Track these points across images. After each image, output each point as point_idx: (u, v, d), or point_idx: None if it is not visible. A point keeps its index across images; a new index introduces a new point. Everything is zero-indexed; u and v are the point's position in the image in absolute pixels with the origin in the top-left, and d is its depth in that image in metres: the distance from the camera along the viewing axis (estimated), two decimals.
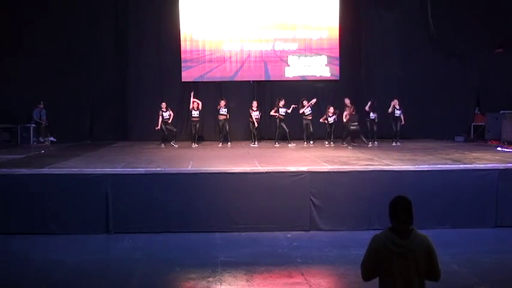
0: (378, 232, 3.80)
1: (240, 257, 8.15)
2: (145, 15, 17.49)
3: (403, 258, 3.62)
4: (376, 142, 15.34)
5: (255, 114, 15.62)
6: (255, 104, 15.79)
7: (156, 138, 16.03)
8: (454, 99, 17.46)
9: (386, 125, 15.73)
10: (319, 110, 16.03)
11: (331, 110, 15.63)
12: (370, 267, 3.74)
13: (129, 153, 13.55)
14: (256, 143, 15.58)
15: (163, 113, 15.33)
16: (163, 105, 15.43)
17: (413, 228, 3.68)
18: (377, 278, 3.79)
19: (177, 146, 15.24)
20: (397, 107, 15.50)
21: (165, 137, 15.48)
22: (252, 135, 15.83)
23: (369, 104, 15.43)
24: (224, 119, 15.53)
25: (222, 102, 15.51)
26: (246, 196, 9.74)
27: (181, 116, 17.07)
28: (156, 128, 15.33)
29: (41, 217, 9.50)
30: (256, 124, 15.65)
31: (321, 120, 15.75)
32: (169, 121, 15.51)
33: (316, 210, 9.82)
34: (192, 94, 15.70)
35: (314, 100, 15.71)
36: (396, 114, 15.49)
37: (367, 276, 3.78)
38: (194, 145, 15.30)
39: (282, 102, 15.59)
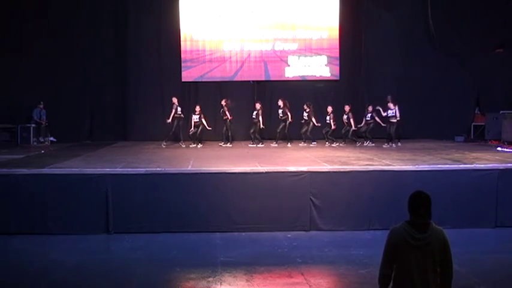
0: (395, 226, 3.84)
1: (240, 257, 8.15)
2: (145, 15, 17.49)
3: (420, 251, 3.69)
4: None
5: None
6: (258, 105, 15.76)
7: (156, 138, 16.05)
8: (454, 99, 17.46)
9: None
10: (319, 110, 16.01)
11: (329, 109, 15.64)
12: (388, 260, 3.79)
13: (129, 153, 13.55)
14: (254, 143, 15.54)
15: (178, 108, 15.34)
16: (175, 100, 15.43)
17: (431, 222, 3.76)
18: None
19: (184, 145, 15.23)
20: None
21: (173, 134, 15.41)
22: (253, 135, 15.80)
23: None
24: (226, 119, 15.52)
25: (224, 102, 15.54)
26: (246, 196, 9.74)
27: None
28: (168, 121, 15.30)
29: (40, 217, 9.50)
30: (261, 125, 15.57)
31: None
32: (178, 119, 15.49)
33: (316, 210, 9.82)
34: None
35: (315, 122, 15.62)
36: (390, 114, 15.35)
37: (385, 270, 3.80)
38: (192, 145, 15.31)
39: (279, 102, 15.60)
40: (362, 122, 15.75)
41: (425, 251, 3.69)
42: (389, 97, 15.13)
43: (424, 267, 3.70)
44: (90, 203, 9.59)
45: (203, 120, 15.37)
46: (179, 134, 15.65)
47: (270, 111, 16.67)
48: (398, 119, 15.02)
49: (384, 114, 15.18)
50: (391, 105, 15.04)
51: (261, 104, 15.86)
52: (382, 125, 15.50)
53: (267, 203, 9.68)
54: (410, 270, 3.71)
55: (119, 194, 9.63)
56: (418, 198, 3.75)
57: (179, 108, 15.39)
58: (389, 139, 15.09)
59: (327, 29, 17.78)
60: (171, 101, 15.56)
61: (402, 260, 3.73)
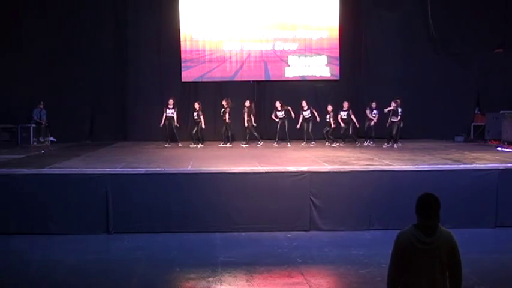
0: (402, 230, 3.78)
1: (240, 257, 8.14)
2: (145, 15, 17.48)
3: (428, 255, 3.64)
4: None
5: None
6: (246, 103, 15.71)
7: (156, 138, 16.05)
8: (454, 99, 17.45)
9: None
10: (319, 111, 15.99)
11: (329, 108, 15.63)
12: (396, 264, 3.73)
13: (129, 153, 13.55)
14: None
15: (167, 110, 15.32)
16: (170, 101, 15.43)
17: (439, 225, 3.71)
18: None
19: (181, 145, 15.27)
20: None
21: (168, 135, 15.48)
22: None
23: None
24: (228, 119, 15.53)
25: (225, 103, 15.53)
26: (246, 196, 9.74)
27: (182, 117, 17.04)
28: (161, 125, 15.36)
29: (40, 217, 9.50)
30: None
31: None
32: (175, 119, 15.41)
33: (316, 210, 9.81)
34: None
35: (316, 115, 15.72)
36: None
37: (393, 275, 3.73)
38: (192, 145, 15.32)
39: (277, 104, 15.58)
40: (369, 119, 15.68)
41: (434, 255, 3.64)
42: (394, 102, 15.09)
43: (432, 271, 3.65)
44: (90, 203, 9.58)
45: (201, 117, 15.34)
46: (174, 135, 15.60)
47: (270, 111, 16.64)
48: (398, 119, 15.01)
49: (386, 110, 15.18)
50: (393, 104, 15.03)
51: (250, 102, 15.77)
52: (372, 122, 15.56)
53: (267, 203, 9.68)
54: (418, 274, 3.66)
55: (119, 194, 9.62)
56: (427, 200, 3.70)
57: (168, 111, 15.34)
58: (390, 139, 15.09)
59: (327, 29, 17.78)
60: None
61: (410, 264, 3.68)
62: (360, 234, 9.49)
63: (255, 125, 15.74)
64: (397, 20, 17.65)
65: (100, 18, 17.28)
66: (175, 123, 15.43)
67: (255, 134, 15.66)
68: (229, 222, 9.68)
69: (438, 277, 3.66)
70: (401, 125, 15.07)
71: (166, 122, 15.39)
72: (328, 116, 15.56)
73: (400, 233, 3.77)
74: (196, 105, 15.44)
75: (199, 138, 15.45)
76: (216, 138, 16.02)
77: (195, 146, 15.28)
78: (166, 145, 15.35)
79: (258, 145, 15.36)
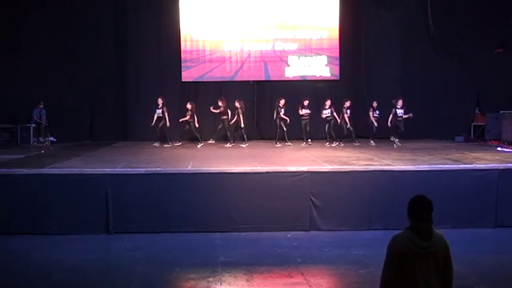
0: (397, 232, 3.72)
1: (240, 257, 8.15)
2: (145, 15, 17.48)
3: (425, 259, 3.59)
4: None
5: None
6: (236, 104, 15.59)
7: (156, 139, 16.06)
8: (454, 99, 17.44)
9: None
10: (318, 110, 15.98)
11: (328, 103, 15.54)
12: (391, 270, 3.65)
13: (129, 153, 13.55)
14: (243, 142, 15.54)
15: (157, 110, 15.31)
16: (159, 101, 15.35)
17: (433, 228, 3.65)
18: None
19: (159, 145, 15.28)
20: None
21: (159, 135, 15.51)
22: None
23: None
24: (226, 119, 15.51)
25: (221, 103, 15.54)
26: (246, 196, 9.75)
27: (182, 117, 17.03)
28: (152, 124, 15.36)
29: (40, 217, 9.51)
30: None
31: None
32: (166, 120, 15.30)
33: (316, 210, 9.82)
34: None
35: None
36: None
37: (388, 281, 3.66)
38: (177, 143, 15.44)
39: (281, 102, 15.56)
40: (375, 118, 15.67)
41: (430, 259, 3.60)
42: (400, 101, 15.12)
43: (429, 275, 3.61)
44: (90, 203, 9.60)
45: (187, 117, 15.27)
46: (163, 134, 15.57)
47: (270, 111, 16.62)
48: (402, 117, 15.06)
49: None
50: (400, 102, 15.04)
51: (239, 101, 15.58)
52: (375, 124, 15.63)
53: (267, 203, 9.68)
54: (414, 278, 3.60)
55: (119, 194, 9.63)
56: (421, 202, 3.65)
57: (158, 110, 15.30)
58: (399, 136, 15.13)
59: (327, 29, 17.77)
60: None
61: (406, 269, 3.61)
62: (360, 234, 9.50)
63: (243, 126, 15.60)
64: (397, 20, 17.65)
65: (100, 18, 17.27)
66: (167, 122, 15.31)
67: (228, 134, 15.56)
68: (229, 222, 9.68)
69: (434, 280, 3.63)
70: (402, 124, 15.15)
71: (159, 122, 15.37)
72: (327, 112, 15.45)
73: (395, 237, 3.69)
74: (188, 105, 15.41)
75: (197, 137, 15.44)
76: (216, 139, 15.99)
77: (179, 143, 15.29)
78: (166, 145, 15.35)
79: (228, 145, 15.29)
